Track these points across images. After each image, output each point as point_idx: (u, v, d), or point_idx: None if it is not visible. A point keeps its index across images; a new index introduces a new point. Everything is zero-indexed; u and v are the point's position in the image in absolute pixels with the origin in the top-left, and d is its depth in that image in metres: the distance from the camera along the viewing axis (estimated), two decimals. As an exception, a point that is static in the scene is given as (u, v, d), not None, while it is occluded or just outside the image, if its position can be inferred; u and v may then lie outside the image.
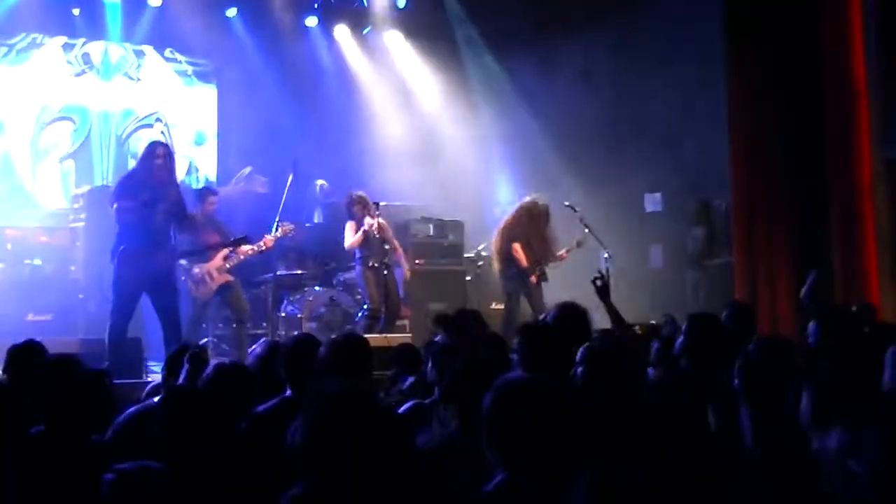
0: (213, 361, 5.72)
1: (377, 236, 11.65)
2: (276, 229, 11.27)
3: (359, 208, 11.73)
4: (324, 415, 3.35)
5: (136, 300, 9.58)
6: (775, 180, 11.05)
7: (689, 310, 8.89)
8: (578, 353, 5.03)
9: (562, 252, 12.32)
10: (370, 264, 11.63)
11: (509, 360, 5.30)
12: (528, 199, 12.40)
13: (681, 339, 5.86)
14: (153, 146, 10.09)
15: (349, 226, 11.79)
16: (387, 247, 11.80)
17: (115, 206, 9.56)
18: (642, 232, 14.48)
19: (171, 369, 5.93)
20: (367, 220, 11.57)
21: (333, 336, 5.98)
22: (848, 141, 10.71)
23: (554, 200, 12.79)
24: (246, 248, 11.11)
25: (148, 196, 9.45)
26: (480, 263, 13.82)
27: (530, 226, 12.15)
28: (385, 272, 11.70)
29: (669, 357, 6.05)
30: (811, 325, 6.72)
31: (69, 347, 8.80)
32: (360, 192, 12.02)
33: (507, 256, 12.14)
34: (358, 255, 11.74)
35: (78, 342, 9.71)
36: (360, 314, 12.05)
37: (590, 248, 12.60)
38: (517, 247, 12.05)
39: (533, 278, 12.05)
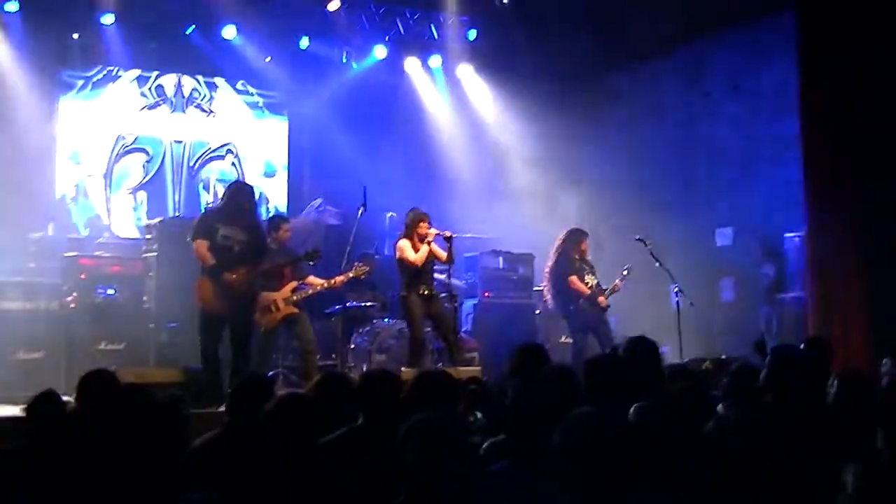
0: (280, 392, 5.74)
1: (428, 261, 11.36)
2: (350, 266, 11.28)
3: (423, 228, 11.39)
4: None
5: (222, 327, 9.89)
6: (850, 211, 10.88)
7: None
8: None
9: (616, 282, 12.26)
10: (421, 291, 11.33)
11: (578, 393, 5.26)
12: (563, 232, 12.35)
13: (764, 372, 5.77)
14: (239, 188, 10.38)
15: (406, 244, 11.27)
16: (439, 276, 11.62)
17: (193, 241, 9.89)
18: (713, 266, 14.35)
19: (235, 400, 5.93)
20: (424, 247, 11.29)
21: (418, 371, 6.07)
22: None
23: (624, 234, 12.74)
24: (317, 282, 11.18)
25: (226, 233, 9.81)
26: (547, 300, 13.71)
27: (576, 253, 12.11)
28: (435, 303, 11.40)
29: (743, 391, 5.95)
30: (885, 361, 6.61)
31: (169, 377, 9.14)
32: (418, 212, 11.42)
33: (565, 293, 12.07)
34: (407, 279, 11.32)
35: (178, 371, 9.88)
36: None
37: (660, 282, 12.52)
38: (574, 279, 12.00)
39: (601, 300, 11.99)
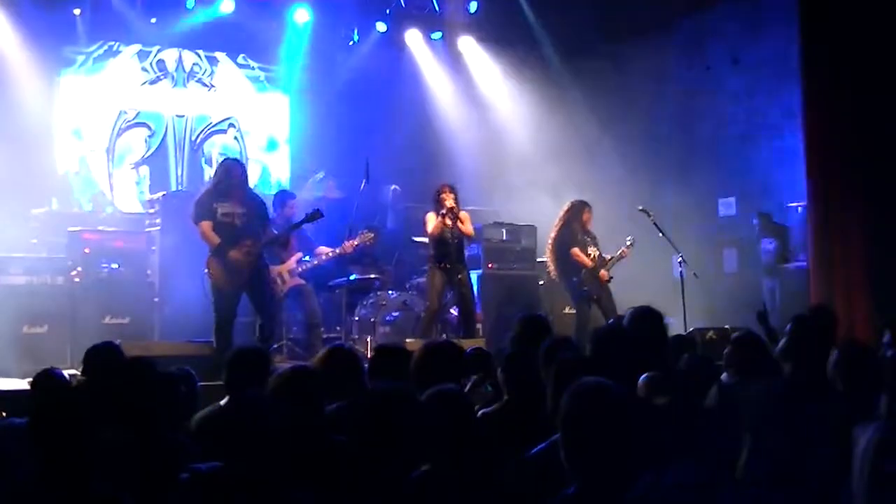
0: (287, 365, 5.77)
1: (454, 236, 11.47)
2: (355, 236, 11.32)
3: (444, 198, 11.55)
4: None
5: (235, 304, 9.94)
6: (851, 182, 10.87)
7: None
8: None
9: (621, 250, 12.24)
10: (442, 265, 11.47)
11: (583, 364, 5.29)
12: (567, 204, 12.36)
13: (782, 342, 5.80)
14: (230, 166, 10.38)
15: (430, 216, 11.55)
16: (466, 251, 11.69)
17: (197, 225, 9.96)
18: (716, 236, 14.36)
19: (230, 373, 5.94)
20: (447, 220, 11.41)
21: (428, 341, 6.13)
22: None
23: (627, 204, 12.74)
24: (326, 249, 11.24)
25: (225, 210, 9.89)
26: (550, 271, 13.73)
27: (579, 225, 12.11)
28: (458, 276, 11.53)
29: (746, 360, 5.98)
30: (886, 333, 6.65)
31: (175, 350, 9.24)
32: (446, 185, 11.76)
33: (568, 265, 12.08)
34: (432, 251, 11.57)
35: (183, 344, 9.97)
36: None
37: (663, 252, 12.53)
38: (576, 251, 12.01)
39: (603, 274, 11.99)
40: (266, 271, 10.33)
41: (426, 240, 11.67)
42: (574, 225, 12.12)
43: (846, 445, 4.22)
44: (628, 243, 12.27)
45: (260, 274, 10.07)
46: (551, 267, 12.35)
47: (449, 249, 11.35)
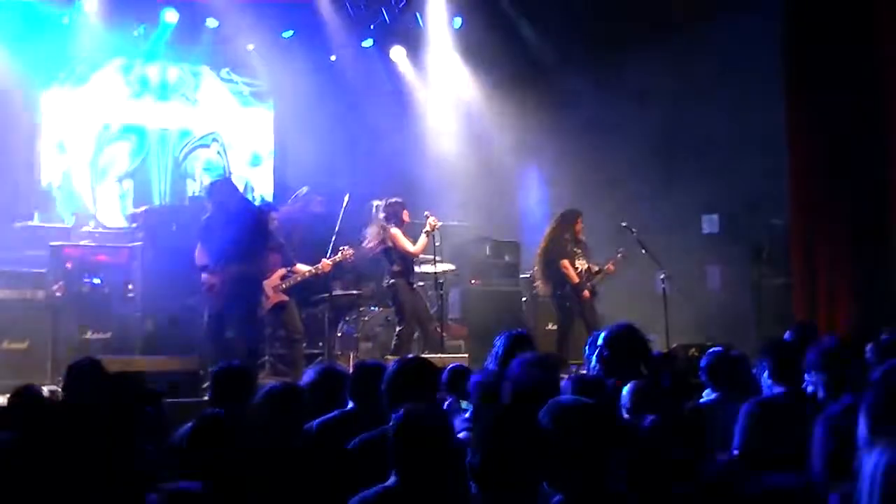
0: (270, 383, 5.76)
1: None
2: (335, 253, 11.28)
3: (406, 215, 11.57)
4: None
5: (218, 321, 10.07)
6: (835, 199, 10.92)
7: (748, 330, 8.81)
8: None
9: (608, 265, 12.23)
10: (410, 280, 11.46)
11: (558, 382, 5.33)
12: (558, 213, 12.34)
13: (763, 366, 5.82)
14: (219, 186, 10.64)
15: (400, 233, 11.46)
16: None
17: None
18: (699, 253, 14.35)
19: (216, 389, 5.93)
20: (423, 238, 11.41)
21: (401, 359, 6.13)
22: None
23: (611, 221, 12.74)
24: (304, 268, 11.19)
25: (219, 232, 10.00)
26: (536, 284, 13.72)
27: (570, 235, 12.07)
28: (419, 292, 11.59)
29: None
30: (868, 347, 6.68)
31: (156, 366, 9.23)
32: (401, 202, 11.74)
33: (555, 277, 12.05)
34: (398, 269, 11.44)
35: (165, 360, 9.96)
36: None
37: (647, 269, 12.53)
38: (565, 263, 11.97)
39: (586, 293, 11.97)
40: (243, 291, 10.22)
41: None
42: (566, 235, 12.08)
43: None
44: (618, 256, 12.26)
45: (238, 295, 10.01)
46: (538, 276, 12.33)
47: (413, 266, 11.44)
